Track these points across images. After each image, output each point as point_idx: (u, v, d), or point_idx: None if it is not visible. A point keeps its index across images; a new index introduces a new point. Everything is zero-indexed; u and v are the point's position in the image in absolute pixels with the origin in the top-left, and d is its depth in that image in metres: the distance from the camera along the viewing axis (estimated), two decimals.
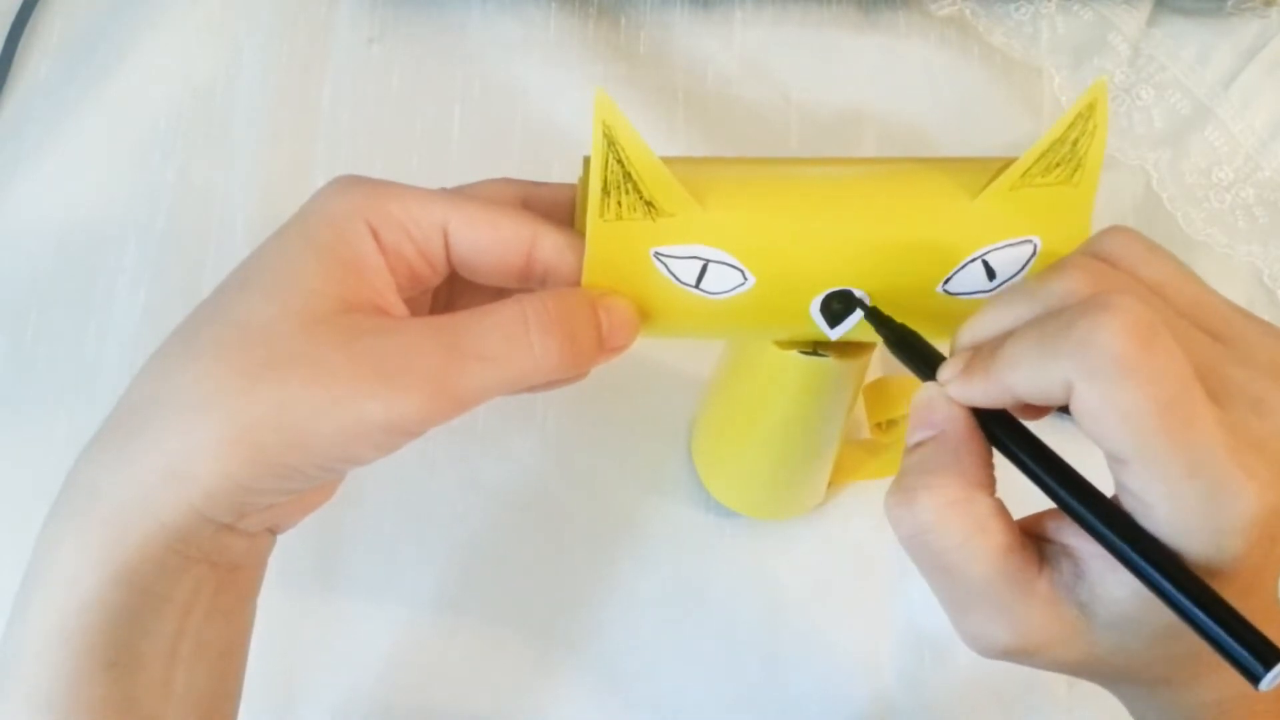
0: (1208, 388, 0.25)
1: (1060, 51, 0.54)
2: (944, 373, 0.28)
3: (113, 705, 0.29)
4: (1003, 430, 0.28)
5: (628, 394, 0.48)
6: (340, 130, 0.52)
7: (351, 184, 0.31)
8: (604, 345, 0.31)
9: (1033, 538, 0.28)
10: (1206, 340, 0.26)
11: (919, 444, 0.28)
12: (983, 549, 0.27)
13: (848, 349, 0.34)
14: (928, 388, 0.29)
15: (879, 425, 0.45)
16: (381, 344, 0.29)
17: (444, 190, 0.32)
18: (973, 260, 0.31)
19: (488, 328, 0.29)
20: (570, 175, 0.33)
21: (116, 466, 0.29)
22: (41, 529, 0.29)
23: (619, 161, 0.29)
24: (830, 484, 0.46)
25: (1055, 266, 0.28)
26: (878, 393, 0.44)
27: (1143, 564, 0.25)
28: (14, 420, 0.48)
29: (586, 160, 0.31)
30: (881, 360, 0.49)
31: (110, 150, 0.52)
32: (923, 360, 0.30)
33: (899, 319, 0.31)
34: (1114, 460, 0.25)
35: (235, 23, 0.54)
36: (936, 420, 0.28)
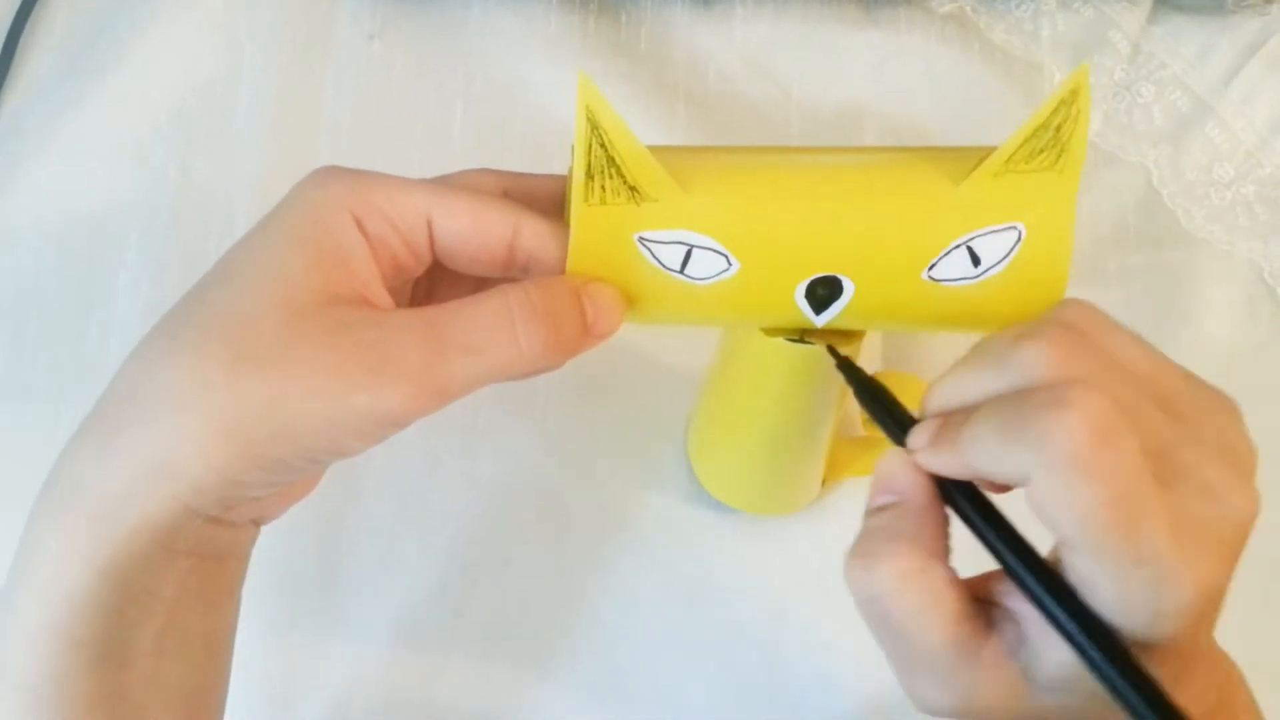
0: (1159, 469, 0.25)
1: (1061, 49, 0.54)
2: (914, 439, 0.29)
3: (100, 698, 0.29)
4: (964, 500, 0.28)
5: (627, 391, 0.49)
6: (341, 126, 0.52)
7: (333, 175, 0.31)
8: (589, 333, 0.31)
9: (980, 601, 0.29)
10: (1162, 419, 0.27)
11: (881, 508, 0.29)
12: (936, 619, 0.27)
13: (836, 336, 0.34)
14: (893, 455, 0.29)
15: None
16: (367, 337, 0.29)
17: (426, 180, 0.32)
18: (957, 246, 0.31)
19: (473, 320, 0.30)
20: None
21: (101, 461, 0.29)
22: (26, 524, 0.29)
23: (602, 146, 0.29)
24: (824, 481, 0.46)
25: (1024, 333, 0.28)
26: None
27: (1085, 643, 0.25)
28: (15, 417, 0.48)
29: (574, 149, 0.31)
30: (882, 356, 0.49)
31: (111, 147, 0.52)
32: (893, 420, 0.30)
33: (884, 305, 0.31)
34: (1063, 544, 0.26)
35: (236, 19, 0.54)
36: (900, 487, 0.29)
